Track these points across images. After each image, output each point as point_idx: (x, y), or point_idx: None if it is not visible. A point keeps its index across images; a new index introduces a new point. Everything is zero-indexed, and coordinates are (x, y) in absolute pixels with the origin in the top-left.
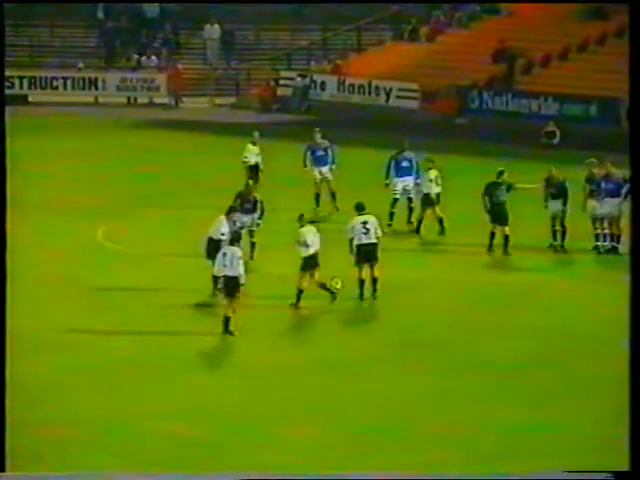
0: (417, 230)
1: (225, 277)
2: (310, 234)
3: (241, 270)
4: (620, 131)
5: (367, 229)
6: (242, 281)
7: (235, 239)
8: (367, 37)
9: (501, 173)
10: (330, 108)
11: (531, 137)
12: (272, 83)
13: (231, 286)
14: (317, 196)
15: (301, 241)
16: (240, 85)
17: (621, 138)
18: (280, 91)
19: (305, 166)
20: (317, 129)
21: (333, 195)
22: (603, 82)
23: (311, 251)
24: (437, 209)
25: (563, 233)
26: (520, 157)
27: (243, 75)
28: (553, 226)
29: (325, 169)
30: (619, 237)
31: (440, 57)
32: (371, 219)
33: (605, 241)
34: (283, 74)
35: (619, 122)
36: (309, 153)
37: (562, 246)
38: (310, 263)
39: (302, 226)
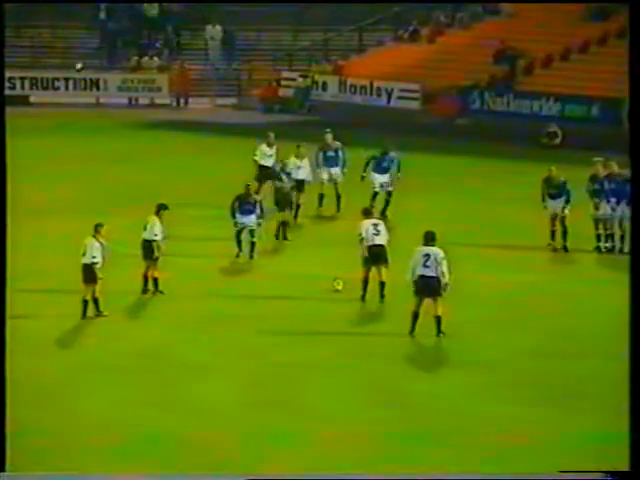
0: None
1: (423, 277)
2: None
3: (443, 269)
4: (622, 132)
5: (378, 231)
6: (444, 281)
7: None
8: (368, 38)
9: None
10: (331, 108)
11: (533, 138)
12: (274, 83)
13: (428, 286)
14: (321, 196)
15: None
16: (242, 86)
17: (623, 139)
18: (282, 91)
19: (318, 167)
20: (328, 130)
21: (339, 198)
22: (605, 82)
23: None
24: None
25: (564, 233)
26: (522, 158)
27: (244, 76)
28: (553, 226)
29: (335, 170)
30: (622, 237)
31: (441, 58)
32: (381, 222)
33: (607, 242)
34: (285, 74)
35: (621, 122)
36: (320, 154)
37: (565, 246)
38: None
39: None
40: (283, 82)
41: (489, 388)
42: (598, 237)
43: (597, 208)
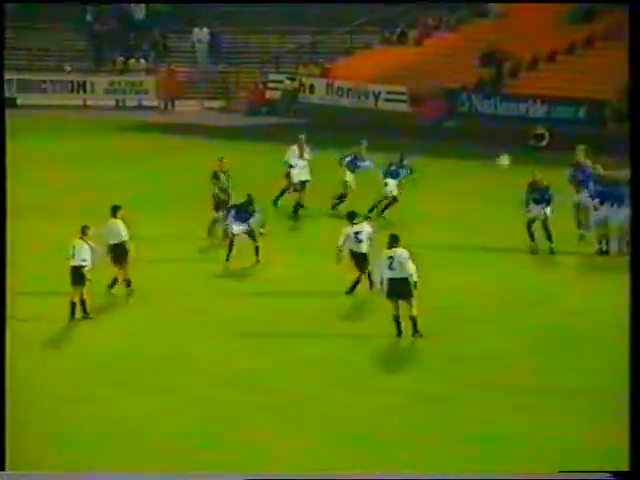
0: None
1: (390, 279)
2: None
3: (409, 270)
4: (608, 133)
5: (359, 239)
6: (412, 281)
7: None
8: (356, 40)
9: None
10: (319, 111)
11: (520, 140)
12: (260, 86)
13: (397, 288)
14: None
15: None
16: (229, 88)
17: (610, 140)
18: (269, 94)
19: (347, 169)
20: (363, 141)
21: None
22: (591, 84)
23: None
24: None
25: (549, 237)
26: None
27: (232, 78)
28: (529, 228)
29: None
30: (607, 239)
31: (429, 60)
32: (364, 229)
33: (583, 228)
34: (272, 77)
35: (606, 124)
36: (349, 159)
37: (551, 248)
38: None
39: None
40: (270, 85)
41: (487, 389)
42: (579, 223)
43: (578, 192)
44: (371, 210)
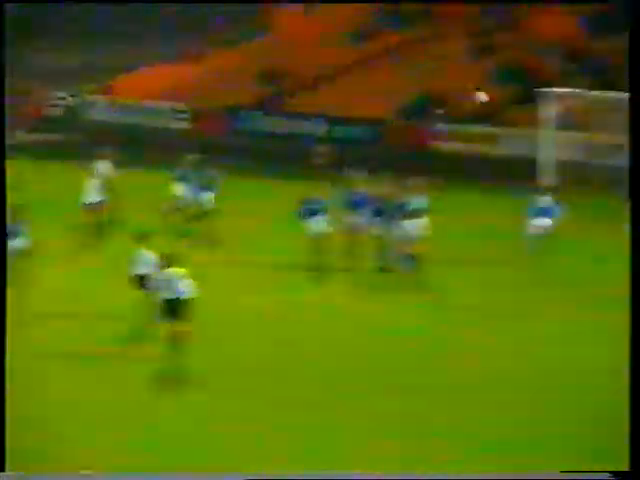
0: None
1: (164, 300)
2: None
3: (184, 289)
4: (387, 150)
5: (133, 261)
6: (186, 300)
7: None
8: (139, 57)
9: None
10: (101, 128)
11: (302, 158)
12: (41, 103)
13: (169, 308)
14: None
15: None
16: (8, 104)
17: (389, 158)
18: (50, 111)
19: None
20: (190, 156)
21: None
22: (369, 103)
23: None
24: None
25: (324, 252)
26: (291, 178)
27: (12, 94)
28: (313, 243)
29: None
30: (386, 257)
31: (209, 77)
32: (149, 253)
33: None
34: (53, 94)
35: (384, 142)
36: (181, 173)
37: (331, 264)
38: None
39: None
40: (51, 101)
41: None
42: (353, 244)
43: (350, 214)
44: (168, 227)
